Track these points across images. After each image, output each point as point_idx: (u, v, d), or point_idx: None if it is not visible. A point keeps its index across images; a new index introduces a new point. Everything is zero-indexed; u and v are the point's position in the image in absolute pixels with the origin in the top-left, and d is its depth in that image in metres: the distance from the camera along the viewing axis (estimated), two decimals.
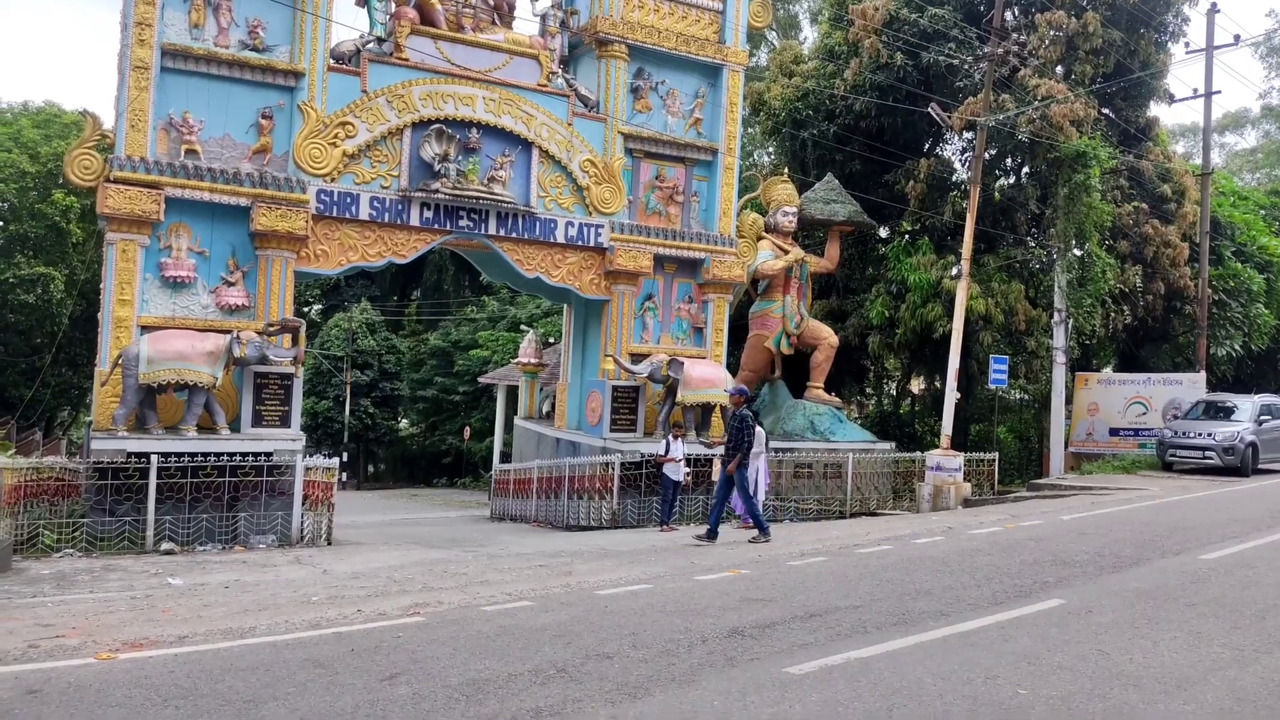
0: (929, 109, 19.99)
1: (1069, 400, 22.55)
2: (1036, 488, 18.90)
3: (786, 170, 22.13)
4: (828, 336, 20.95)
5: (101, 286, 14.65)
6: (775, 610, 7.39)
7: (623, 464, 17.07)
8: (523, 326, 34.81)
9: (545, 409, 23.61)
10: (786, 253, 20.28)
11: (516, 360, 26.51)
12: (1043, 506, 15.10)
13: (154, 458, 13.27)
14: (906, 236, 24.85)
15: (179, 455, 13.51)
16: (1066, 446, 22.34)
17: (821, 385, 21.05)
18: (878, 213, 23.39)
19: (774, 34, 35.18)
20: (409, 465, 44.52)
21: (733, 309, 19.86)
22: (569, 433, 19.38)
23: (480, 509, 26.41)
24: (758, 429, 13.49)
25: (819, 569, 9.53)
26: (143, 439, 13.56)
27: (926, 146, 25.78)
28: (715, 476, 14.04)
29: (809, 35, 36.54)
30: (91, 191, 14.88)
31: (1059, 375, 21.83)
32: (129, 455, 13.30)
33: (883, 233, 25.91)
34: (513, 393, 29.50)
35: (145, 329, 14.14)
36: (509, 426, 28.55)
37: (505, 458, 28.01)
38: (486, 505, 26.06)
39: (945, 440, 18.43)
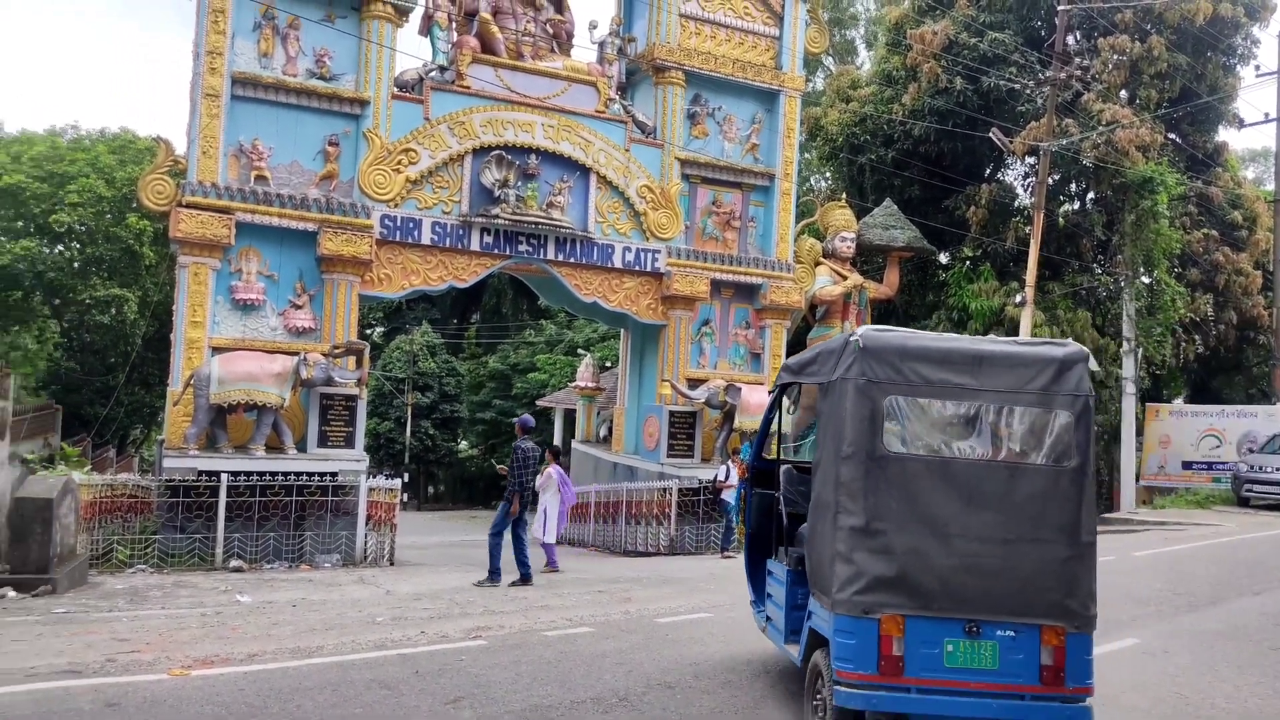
0: (990, 134, 19.78)
1: (1139, 432, 21.98)
2: (1107, 522, 18.37)
3: (844, 195, 22.02)
4: None
5: (174, 308, 15.07)
6: None
7: (680, 490, 17.03)
8: (580, 350, 35.02)
9: (602, 433, 23.67)
10: (844, 278, 20.14)
11: (574, 384, 26.66)
12: (1114, 542, 14.69)
13: (224, 476, 13.59)
14: (968, 262, 24.51)
15: (248, 474, 13.82)
16: (1137, 480, 21.75)
17: None
18: (938, 238, 23.14)
19: (830, 59, 35.12)
20: (468, 486, 44.90)
21: (790, 335, 19.75)
22: (626, 457, 19.40)
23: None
24: (552, 469, 13.67)
25: None
26: (213, 458, 13.89)
27: (987, 171, 25.47)
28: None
29: (865, 60, 36.42)
30: (164, 216, 15.34)
31: (1129, 406, 21.29)
32: (199, 473, 13.64)
33: (943, 258, 25.62)
34: (570, 416, 29.64)
35: (216, 350, 14.51)
36: (566, 449, 28.67)
37: None
38: None
39: None
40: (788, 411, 7.00)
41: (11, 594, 10.01)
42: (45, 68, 75.49)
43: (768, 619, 6.21)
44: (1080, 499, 4.75)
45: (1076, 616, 4.63)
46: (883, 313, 24.10)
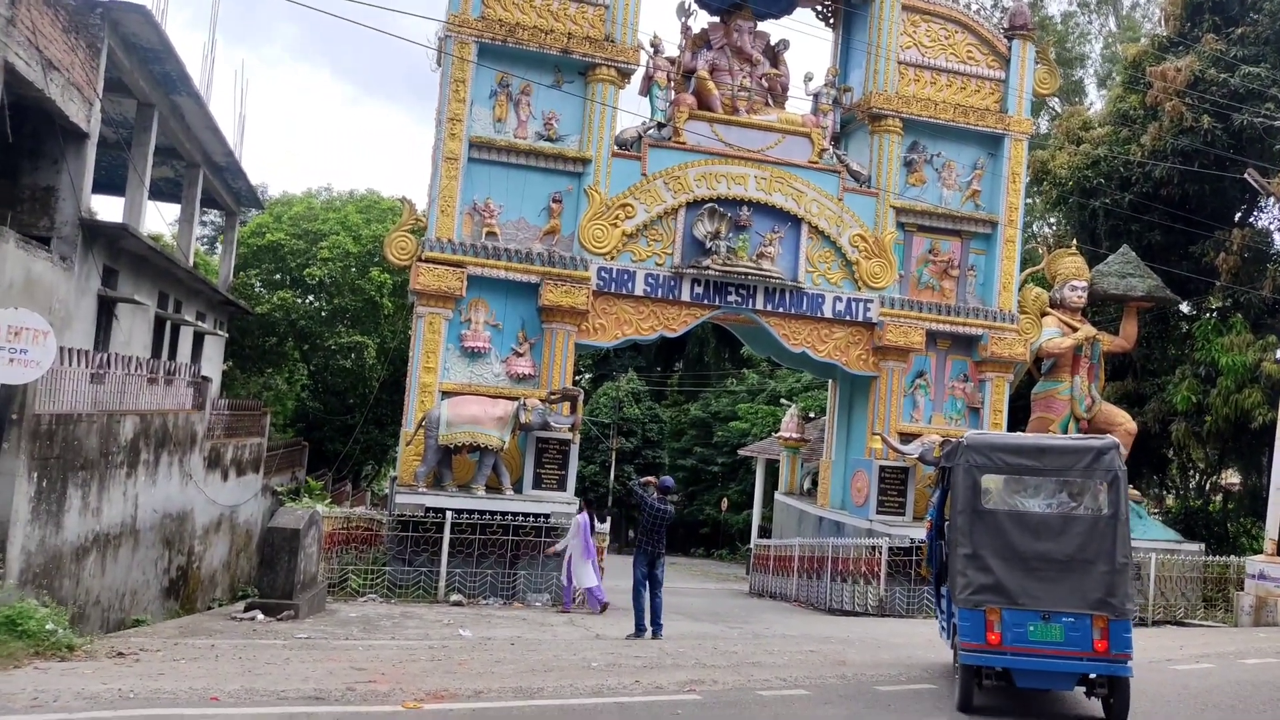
0: (1245, 175, 18.09)
1: None
2: None
3: (1074, 242, 20.73)
4: (1124, 422, 19.11)
5: (410, 355, 16.19)
6: None
7: (891, 548, 16.36)
8: (782, 400, 34.62)
9: (806, 485, 23.20)
10: (1074, 330, 18.86)
11: (778, 434, 26.33)
12: None
13: (448, 513, 14.34)
14: (1215, 314, 22.39)
15: (469, 512, 14.52)
16: None
17: None
18: (1181, 287, 21.30)
19: (1055, 101, 33.41)
20: (668, 532, 45.12)
21: (1013, 389, 18.68)
22: (832, 512, 18.89)
23: (737, 582, 26.25)
24: (578, 518, 13.83)
25: None
26: (439, 495, 14.71)
27: (1239, 215, 23.28)
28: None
29: (1096, 101, 34.39)
30: (404, 269, 16.58)
31: None
32: (427, 510, 14.46)
33: (1186, 309, 23.53)
34: (772, 466, 29.28)
35: (446, 394, 15.43)
36: (767, 500, 28.30)
37: (763, 532, 27.72)
38: (744, 579, 25.87)
39: (1270, 545, 16.14)
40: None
41: (260, 617, 10.92)
42: (305, 137, 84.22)
43: (942, 627, 8.73)
44: (1114, 536, 7.25)
45: (1115, 609, 7.05)
46: (1118, 366, 22.36)
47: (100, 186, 17.87)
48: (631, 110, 17.48)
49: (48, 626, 7.78)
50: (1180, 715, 7.51)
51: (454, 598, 14.10)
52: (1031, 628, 7.02)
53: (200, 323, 22.28)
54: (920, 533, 16.34)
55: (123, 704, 6.17)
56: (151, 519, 12.70)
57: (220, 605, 14.33)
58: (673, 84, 17.43)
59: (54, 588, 9.72)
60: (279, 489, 20.06)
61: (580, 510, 14.38)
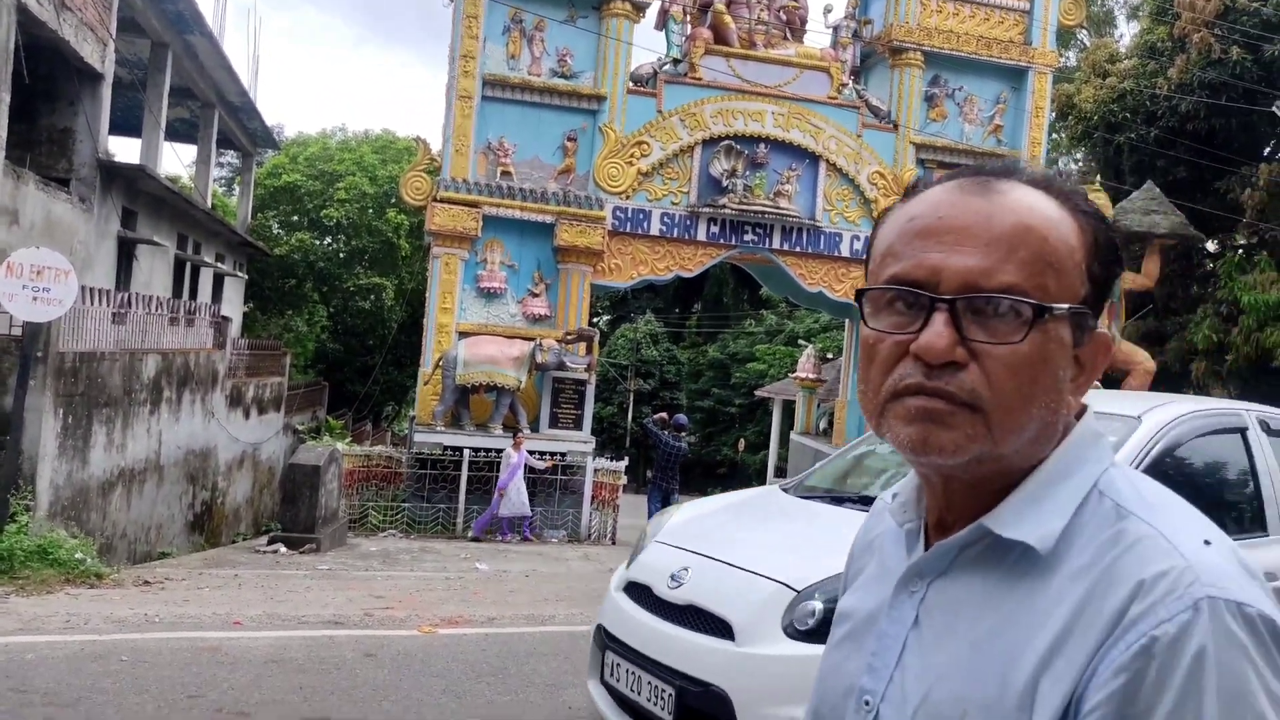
0: (1274, 108, 17.68)
1: None
2: None
3: (1098, 178, 20.41)
4: (1143, 361, 19.00)
5: (426, 296, 16.26)
6: None
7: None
8: (800, 341, 34.62)
9: (822, 425, 23.31)
10: None
11: (794, 375, 26.40)
12: None
13: (466, 452, 14.55)
14: (1240, 251, 22.07)
15: (486, 450, 14.72)
16: None
17: None
18: (1206, 224, 20.96)
19: (1084, 32, 32.57)
20: (685, 472, 45.15)
21: None
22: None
23: None
24: (512, 451, 13.99)
25: None
26: (457, 434, 14.91)
27: (1267, 150, 22.79)
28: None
29: (1125, 32, 33.54)
30: (420, 210, 16.58)
31: None
32: (445, 448, 14.68)
33: (1211, 247, 23.19)
34: (788, 407, 29.40)
35: (462, 335, 15.54)
36: (783, 440, 28.48)
37: (780, 472, 27.96)
38: None
39: None
40: None
41: (283, 550, 11.20)
42: (318, 78, 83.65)
43: None
44: None
45: None
46: (1139, 305, 22.14)
47: (116, 128, 17.93)
48: (647, 46, 17.25)
49: (77, 556, 8.04)
50: None
51: (472, 533, 14.37)
52: None
53: (220, 264, 22.45)
54: None
55: (149, 627, 6.40)
56: (175, 455, 12.98)
57: (244, 539, 14.69)
58: (689, 18, 17.13)
59: (82, 520, 10.00)
60: (300, 428, 20.39)
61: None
